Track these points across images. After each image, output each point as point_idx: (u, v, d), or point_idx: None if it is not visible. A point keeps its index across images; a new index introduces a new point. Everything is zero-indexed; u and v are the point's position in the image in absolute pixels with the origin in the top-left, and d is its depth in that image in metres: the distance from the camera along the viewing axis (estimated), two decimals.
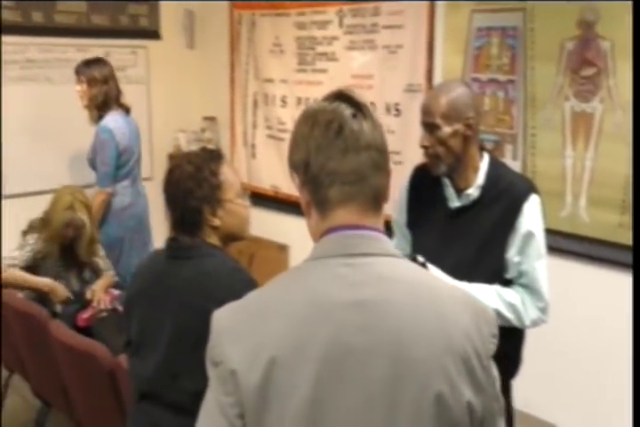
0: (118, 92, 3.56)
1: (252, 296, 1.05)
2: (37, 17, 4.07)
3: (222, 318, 1.03)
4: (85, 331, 2.66)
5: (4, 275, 2.86)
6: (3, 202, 3.92)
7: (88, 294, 2.98)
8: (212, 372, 1.00)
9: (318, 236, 1.05)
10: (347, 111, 1.02)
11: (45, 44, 4.08)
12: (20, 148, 3.95)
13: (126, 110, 3.59)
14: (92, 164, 3.55)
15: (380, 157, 1.04)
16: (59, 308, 2.89)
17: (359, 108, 1.03)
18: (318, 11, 3.90)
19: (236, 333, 0.99)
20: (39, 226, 3.00)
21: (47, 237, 2.95)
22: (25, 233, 3.01)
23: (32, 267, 2.96)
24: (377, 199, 1.04)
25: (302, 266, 1.04)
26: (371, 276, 0.99)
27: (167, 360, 1.68)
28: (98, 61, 3.57)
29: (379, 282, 0.98)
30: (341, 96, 1.04)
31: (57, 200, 2.99)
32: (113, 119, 3.48)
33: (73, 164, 4.18)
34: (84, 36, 4.23)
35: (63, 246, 2.98)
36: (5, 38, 3.93)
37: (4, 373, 3.04)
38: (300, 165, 1.04)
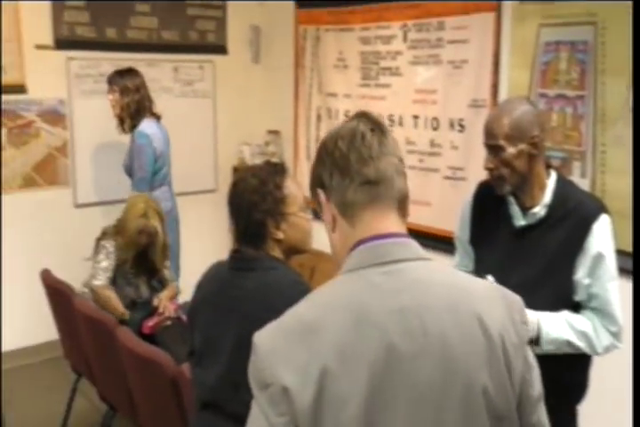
0: (150, 101, 3.68)
1: (290, 315, 1.07)
2: (111, 33, 4.22)
3: (264, 340, 1.03)
4: (150, 338, 2.73)
5: (102, 293, 2.96)
6: (74, 211, 4.09)
7: (155, 302, 3.05)
8: (260, 395, 1.01)
9: (346, 249, 1.09)
10: (367, 126, 1.10)
11: (118, 58, 4.22)
12: (90, 159, 4.10)
13: (157, 118, 3.70)
14: (128, 170, 3.65)
15: (400, 164, 1.12)
16: (125, 316, 2.97)
17: (377, 124, 1.12)
18: (382, 26, 3.91)
19: (283, 352, 1.00)
20: (113, 233, 3.09)
21: (122, 244, 3.04)
22: (99, 240, 3.12)
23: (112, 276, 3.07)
24: (402, 202, 1.10)
25: (338, 279, 1.08)
26: (406, 282, 1.03)
27: (229, 371, 1.70)
28: (130, 72, 3.69)
29: (415, 287, 1.03)
30: (361, 116, 1.14)
31: (131, 208, 3.09)
32: (148, 125, 3.60)
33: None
34: (154, 52, 4.37)
35: (137, 253, 3.07)
36: (80, 53, 4.09)
37: (73, 376, 3.13)
38: (326, 176, 1.10)
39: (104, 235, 3.13)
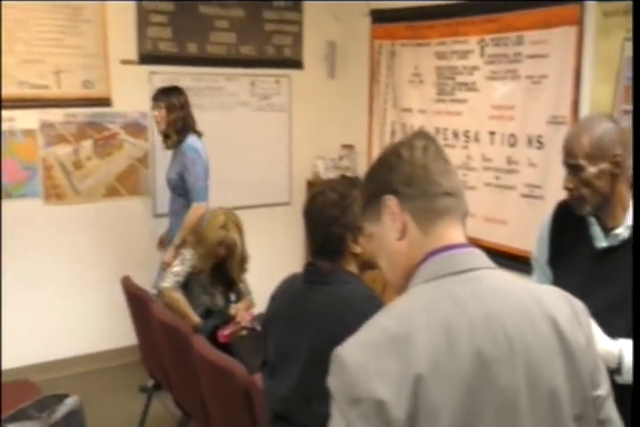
0: (192, 118, 3.75)
1: (374, 328, 1.06)
2: (192, 48, 4.35)
3: (353, 355, 1.02)
4: (224, 347, 2.77)
5: (169, 295, 3.05)
6: (153, 220, 4.22)
7: (232, 311, 3.11)
8: (350, 411, 0.99)
9: (413, 258, 1.10)
10: (433, 143, 1.16)
11: (197, 73, 4.35)
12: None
13: (199, 135, 3.76)
14: (173, 183, 3.69)
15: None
16: (198, 324, 3.03)
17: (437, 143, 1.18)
18: (459, 40, 3.88)
19: (374, 366, 0.99)
20: (193, 242, 3.18)
21: (201, 254, 3.12)
22: (178, 248, 3.21)
23: (185, 282, 3.15)
24: (465, 217, 1.15)
25: (417, 290, 1.08)
26: (483, 289, 1.06)
27: (301, 383, 1.71)
28: (175, 89, 3.76)
29: (492, 294, 1.06)
30: (421, 133, 1.19)
31: (212, 219, 3.17)
32: (195, 140, 3.68)
33: (221, 185, 4.39)
34: (232, 66, 4.47)
35: (215, 264, 3.14)
36: (162, 68, 4.23)
37: (150, 382, 3.22)
38: (399, 183, 1.12)
39: (183, 243, 3.21)
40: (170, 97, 3.67)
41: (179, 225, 3.60)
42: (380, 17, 4.44)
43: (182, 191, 3.63)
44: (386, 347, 1.00)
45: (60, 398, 2.48)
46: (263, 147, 4.61)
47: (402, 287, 1.15)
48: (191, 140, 3.65)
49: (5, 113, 3.81)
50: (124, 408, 3.51)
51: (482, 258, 1.11)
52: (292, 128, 4.72)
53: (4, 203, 3.85)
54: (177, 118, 3.64)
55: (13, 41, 3.82)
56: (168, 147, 3.73)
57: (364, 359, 1.00)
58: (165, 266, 3.47)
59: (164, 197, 3.97)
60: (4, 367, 3.73)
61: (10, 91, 3.81)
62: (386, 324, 1.05)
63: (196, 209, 3.55)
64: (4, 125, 3.82)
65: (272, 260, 4.36)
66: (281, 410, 1.77)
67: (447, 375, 0.98)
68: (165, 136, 3.71)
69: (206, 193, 3.62)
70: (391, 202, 1.12)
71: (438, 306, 1.03)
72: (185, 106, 3.70)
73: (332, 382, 1.03)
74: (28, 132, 3.88)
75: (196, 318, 3.07)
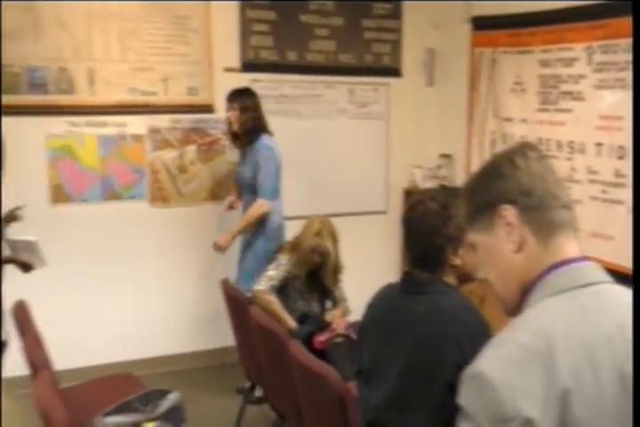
0: (265, 119, 3.79)
1: (510, 343, 1.03)
2: (292, 56, 4.43)
3: (496, 372, 0.99)
4: (319, 353, 2.80)
5: (262, 297, 3.12)
6: None
7: (328, 317, 3.14)
8: None
9: (532, 271, 1.08)
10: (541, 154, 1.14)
11: (297, 80, 4.42)
12: None
13: (272, 135, 3.79)
14: (246, 181, 3.74)
15: None
16: (293, 328, 3.08)
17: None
18: (564, 47, 3.77)
19: (520, 383, 0.97)
20: (289, 249, 3.24)
21: (296, 261, 3.18)
22: (276, 253, 3.28)
23: (281, 286, 3.21)
24: (577, 230, 1.12)
25: (546, 303, 1.05)
26: (609, 302, 1.04)
27: (396, 393, 1.71)
28: (247, 91, 3.81)
29: (617, 307, 1.04)
30: (527, 145, 1.17)
31: (307, 226, 3.22)
32: (269, 139, 3.72)
33: (318, 192, 4.48)
34: (331, 74, 4.51)
35: (310, 271, 3.18)
36: (263, 76, 4.32)
37: (247, 383, 3.28)
38: (521, 193, 1.09)
39: (280, 249, 3.28)
40: (243, 98, 3.73)
41: None
42: (480, 24, 4.38)
43: (255, 189, 3.69)
44: (528, 363, 0.98)
45: (163, 393, 2.57)
46: (360, 155, 4.63)
47: (513, 301, 1.12)
48: (265, 139, 3.71)
49: (117, 118, 4.01)
50: (220, 408, 3.60)
51: (602, 272, 1.09)
52: (389, 136, 4.72)
53: (115, 204, 4.05)
54: (249, 119, 3.69)
55: (126, 50, 4.01)
56: (238, 146, 3.81)
57: (508, 377, 0.98)
58: (216, 247, 3.60)
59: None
60: (108, 361, 3.92)
61: (121, 97, 4.01)
62: (523, 339, 1.01)
63: (260, 205, 3.60)
64: (117, 130, 4.02)
65: (368, 268, 4.37)
66: (374, 419, 1.78)
67: (591, 390, 0.96)
68: (236, 136, 3.78)
69: (275, 192, 3.66)
70: (509, 212, 1.09)
71: (573, 319, 1.02)
72: (257, 107, 3.76)
73: (472, 400, 1.00)
74: (137, 137, 4.07)
75: (291, 323, 3.11)
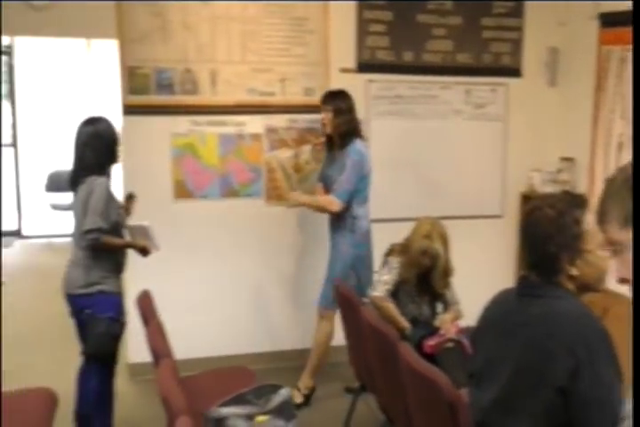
0: (359, 123, 3.73)
1: None
2: (408, 56, 4.40)
3: None
4: (429, 358, 2.77)
5: (380, 304, 3.13)
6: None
7: (437, 322, 3.10)
8: None
9: None
10: None
11: (413, 81, 4.39)
12: (383, 176, 4.31)
13: (365, 140, 3.75)
14: (325, 178, 3.75)
15: None
16: (407, 330, 3.06)
17: None
18: None
19: None
20: (399, 251, 3.22)
21: (406, 263, 3.16)
22: (386, 255, 3.27)
23: (393, 290, 3.20)
24: None
25: None
26: None
27: (504, 395, 1.70)
28: (342, 93, 3.75)
29: None
30: None
31: (417, 228, 3.19)
32: (362, 145, 3.68)
33: (431, 194, 4.43)
34: (447, 74, 4.45)
35: (420, 274, 3.16)
36: (379, 76, 4.32)
37: (356, 383, 3.30)
38: None
39: (391, 251, 3.27)
40: (337, 101, 3.71)
41: (334, 225, 3.72)
42: (609, 20, 4.17)
43: None
44: None
45: (276, 387, 2.62)
46: (476, 156, 4.53)
47: None
48: (359, 144, 3.68)
49: (236, 118, 4.14)
50: (329, 406, 3.65)
51: None
52: (507, 138, 4.59)
53: (232, 201, 4.19)
54: (343, 122, 3.67)
55: (246, 51, 4.13)
56: (331, 150, 3.79)
57: None
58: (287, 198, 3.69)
59: (380, 203, 4.07)
60: (221, 354, 4.05)
61: (241, 97, 4.13)
62: None
63: (332, 201, 3.59)
64: (236, 129, 4.15)
65: (481, 272, 4.28)
66: (481, 420, 1.77)
67: None
68: (329, 139, 3.77)
69: (349, 195, 3.61)
70: None
71: None
72: (352, 110, 3.72)
73: None
74: (255, 137, 4.18)
75: (405, 323, 3.10)
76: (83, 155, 3.07)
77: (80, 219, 3.02)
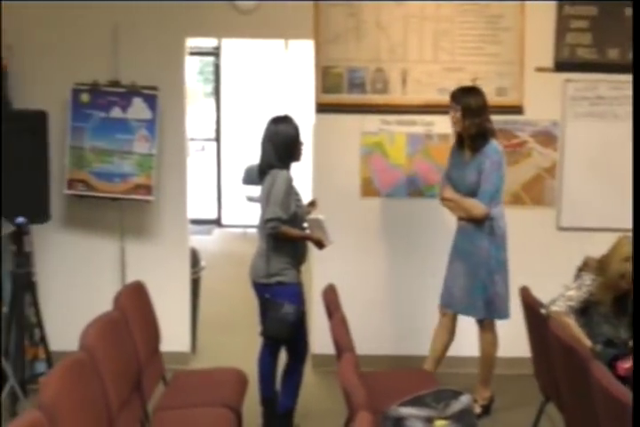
0: (491, 123, 3.48)
1: None
2: (613, 54, 4.13)
3: None
4: (622, 380, 2.59)
5: (558, 318, 2.96)
6: (557, 233, 4.16)
7: (630, 344, 2.90)
8: None
9: None
10: None
11: (616, 80, 4.11)
12: (581, 181, 4.12)
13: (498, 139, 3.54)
14: (462, 183, 3.53)
15: None
16: (599, 347, 2.89)
17: None
18: None
19: None
20: (595, 268, 3.03)
21: (602, 284, 2.97)
22: (580, 270, 3.09)
23: (583, 308, 3.03)
24: None
25: None
26: None
27: None
28: (474, 90, 3.51)
29: None
30: None
31: (616, 249, 2.98)
32: (497, 143, 3.49)
33: (627, 202, 4.06)
34: None
35: (615, 296, 2.96)
36: (578, 75, 4.11)
37: (540, 397, 3.15)
38: None
39: (585, 266, 3.08)
40: (466, 99, 3.47)
41: (467, 227, 3.54)
42: None
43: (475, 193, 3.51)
44: None
45: (456, 393, 2.59)
46: None
47: None
48: (494, 143, 3.50)
49: (425, 118, 4.14)
50: (511, 418, 3.54)
51: None
52: None
53: (417, 201, 4.20)
54: (472, 124, 3.45)
55: (438, 51, 4.11)
56: (459, 149, 3.60)
57: None
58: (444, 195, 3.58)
59: (571, 209, 3.87)
60: (399, 353, 4.07)
61: (431, 97, 4.12)
62: None
63: (476, 204, 3.45)
64: (424, 129, 4.15)
65: None
66: None
67: None
68: (460, 138, 3.59)
69: (491, 198, 3.45)
70: None
71: None
72: (482, 110, 3.47)
73: None
74: (443, 137, 4.13)
75: (587, 341, 2.92)
76: (265, 151, 3.25)
77: (263, 209, 3.20)
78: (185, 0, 4.03)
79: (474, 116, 3.44)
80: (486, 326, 3.63)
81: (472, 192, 3.51)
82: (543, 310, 3.07)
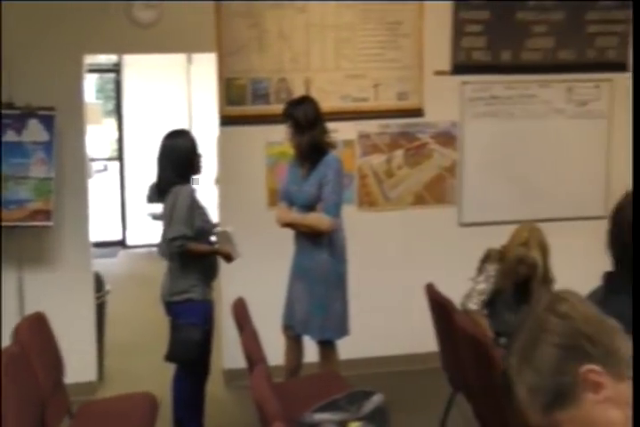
0: (326, 132, 3.39)
1: None
2: (506, 56, 4.29)
3: None
4: None
5: (473, 317, 3.03)
6: (459, 229, 4.26)
7: None
8: None
9: None
10: None
11: (510, 81, 4.27)
12: (480, 178, 4.23)
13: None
14: (294, 195, 3.41)
15: None
16: (502, 340, 2.97)
17: None
18: None
19: None
20: (497, 258, 3.13)
21: (502, 272, 3.06)
22: (483, 262, 3.18)
23: (489, 299, 3.11)
24: None
25: None
26: None
27: None
28: (303, 102, 3.44)
29: None
30: None
31: (514, 236, 3.09)
32: (334, 153, 3.43)
33: (528, 196, 4.28)
34: (547, 72, 4.30)
35: (517, 283, 3.05)
36: (474, 77, 4.23)
37: (449, 389, 3.23)
38: None
39: (487, 258, 3.17)
40: (296, 114, 3.32)
41: (304, 239, 3.40)
42: None
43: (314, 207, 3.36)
44: None
45: (368, 394, 2.61)
46: (577, 156, 4.35)
47: None
48: (333, 155, 3.40)
49: (330, 125, 4.12)
50: (422, 413, 3.58)
51: None
52: (611, 136, 4.38)
53: None
54: (305, 136, 3.30)
55: (340, 58, 4.15)
56: (297, 165, 3.47)
57: None
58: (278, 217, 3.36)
59: (471, 206, 3.97)
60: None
61: (334, 104, 4.15)
62: None
63: (320, 218, 3.29)
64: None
65: (585, 278, 4.07)
66: None
67: None
68: (299, 153, 3.45)
69: (337, 211, 3.31)
70: None
71: None
72: (313, 123, 3.31)
73: None
74: (348, 143, 4.18)
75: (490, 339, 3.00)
76: (163, 168, 3.21)
77: (166, 227, 3.14)
78: (81, 14, 3.92)
79: (305, 129, 3.28)
80: (326, 346, 3.42)
81: (311, 205, 3.33)
82: (460, 307, 3.14)
